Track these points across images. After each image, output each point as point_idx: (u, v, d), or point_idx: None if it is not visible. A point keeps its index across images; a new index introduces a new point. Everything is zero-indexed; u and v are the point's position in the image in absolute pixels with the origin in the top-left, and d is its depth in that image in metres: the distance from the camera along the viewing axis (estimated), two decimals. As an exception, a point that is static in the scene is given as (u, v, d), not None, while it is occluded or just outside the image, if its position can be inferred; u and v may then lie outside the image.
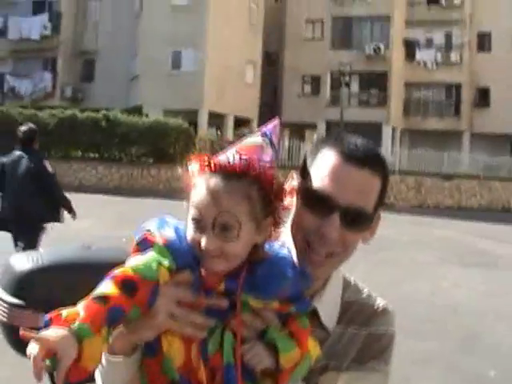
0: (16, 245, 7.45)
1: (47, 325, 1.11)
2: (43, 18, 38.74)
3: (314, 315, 1.41)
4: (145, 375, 1.29)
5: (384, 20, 38.59)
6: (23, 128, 7.68)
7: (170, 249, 1.25)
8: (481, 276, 10.66)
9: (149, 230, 1.28)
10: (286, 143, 29.91)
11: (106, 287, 1.19)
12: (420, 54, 39.97)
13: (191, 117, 30.63)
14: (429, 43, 40.28)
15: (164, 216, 1.34)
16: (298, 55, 39.06)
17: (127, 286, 1.19)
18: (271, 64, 40.43)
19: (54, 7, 39.12)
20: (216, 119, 34.57)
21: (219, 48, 34.07)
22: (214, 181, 1.22)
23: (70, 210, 7.72)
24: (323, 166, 1.35)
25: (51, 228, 7.55)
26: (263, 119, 37.64)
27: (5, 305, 2.09)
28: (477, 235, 17.45)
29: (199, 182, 1.24)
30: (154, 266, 1.23)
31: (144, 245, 1.28)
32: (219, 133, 35.03)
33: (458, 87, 40.17)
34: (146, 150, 27.37)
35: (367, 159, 1.35)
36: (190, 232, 1.24)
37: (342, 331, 1.47)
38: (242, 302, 1.25)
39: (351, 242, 1.38)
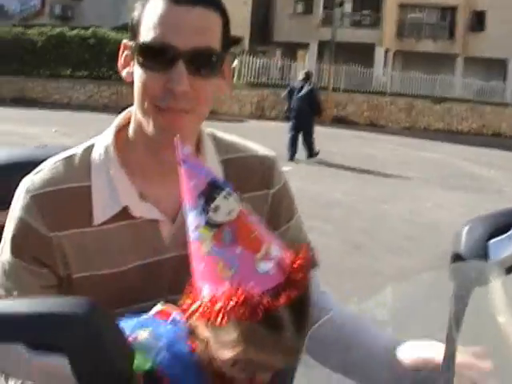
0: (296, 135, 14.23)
1: None
2: None
3: None
4: None
5: None
6: (305, 71, 15.63)
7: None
8: (463, 198, 10.80)
9: None
10: (278, 63, 29.57)
11: None
12: (416, -26, 39.09)
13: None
14: (425, -38, 39.35)
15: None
16: (291, -27, 38.10)
17: None
18: (264, -19, 39.47)
19: None
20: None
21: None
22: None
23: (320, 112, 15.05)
24: (152, 17, 1.20)
25: None
26: (254, 38, 37.23)
27: None
28: (465, 159, 17.53)
29: None
30: None
31: None
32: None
33: (454, 10, 39.34)
34: (135, 68, 27.13)
35: None
36: None
37: None
38: None
39: (204, 91, 1.23)
